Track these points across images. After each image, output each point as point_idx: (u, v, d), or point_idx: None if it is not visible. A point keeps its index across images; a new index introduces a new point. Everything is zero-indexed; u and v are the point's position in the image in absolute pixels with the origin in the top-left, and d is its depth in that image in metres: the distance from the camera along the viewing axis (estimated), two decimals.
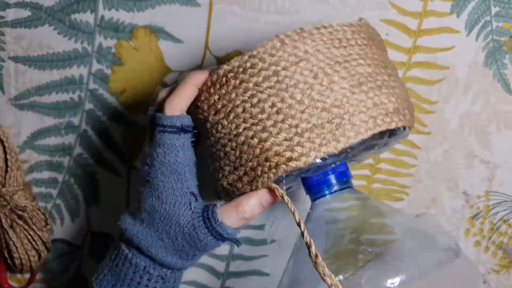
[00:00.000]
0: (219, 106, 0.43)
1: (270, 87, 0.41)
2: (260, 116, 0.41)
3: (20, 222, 0.57)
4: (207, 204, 0.44)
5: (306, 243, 0.40)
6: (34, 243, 0.58)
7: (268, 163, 0.41)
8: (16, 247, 0.57)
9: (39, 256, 0.59)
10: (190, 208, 0.43)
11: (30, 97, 0.58)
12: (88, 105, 0.59)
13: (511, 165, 0.58)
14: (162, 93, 0.46)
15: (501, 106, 0.57)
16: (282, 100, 0.41)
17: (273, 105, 0.41)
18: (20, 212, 0.57)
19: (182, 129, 0.44)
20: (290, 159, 0.40)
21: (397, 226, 0.46)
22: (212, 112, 0.43)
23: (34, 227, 0.58)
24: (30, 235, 0.58)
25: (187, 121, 0.44)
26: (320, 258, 0.40)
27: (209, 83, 0.44)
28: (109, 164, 0.61)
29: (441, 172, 0.59)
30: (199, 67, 0.57)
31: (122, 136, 0.60)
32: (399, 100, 0.43)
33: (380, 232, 0.46)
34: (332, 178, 0.45)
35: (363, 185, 0.59)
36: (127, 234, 0.44)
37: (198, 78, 0.44)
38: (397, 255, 0.46)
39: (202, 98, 0.44)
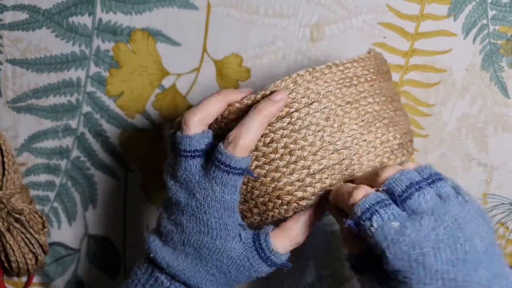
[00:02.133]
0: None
1: (283, 128, 0.42)
2: (272, 155, 0.42)
3: (17, 225, 0.57)
4: (256, 232, 0.42)
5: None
6: (31, 246, 0.58)
7: (279, 201, 0.42)
8: (13, 250, 0.57)
9: (36, 259, 0.59)
10: (241, 240, 0.41)
11: (28, 100, 0.58)
12: (86, 108, 0.59)
13: (509, 167, 0.58)
14: (195, 116, 0.42)
15: (498, 109, 0.57)
16: (295, 142, 0.41)
17: (285, 146, 0.41)
18: (17, 215, 0.57)
19: (246, 171, 0.41)
20: (302, 198, 0.41)
21: None
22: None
23: (31, 230, 0.58)
24: (27, 238, 0.58)
25: (250, 161, 0.42)
26: None
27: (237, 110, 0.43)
28: (107, 167, 0.60)
29: None
30: (197, 70, 0.57)
31: (119, 139, 0.60)
32: (404, 134, 0.45)
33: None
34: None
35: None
36: (171, 270, 0.41)
37: (272, 112, 0.41)
38: None
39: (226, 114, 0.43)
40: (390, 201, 0.36)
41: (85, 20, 0.55)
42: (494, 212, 0.60)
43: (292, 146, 0.41)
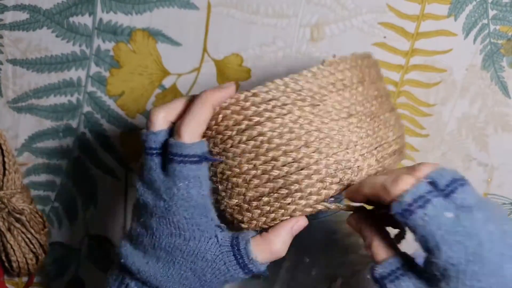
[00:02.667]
0: (267, 118, 0.39)
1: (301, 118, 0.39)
2: (320, 133, 0.39)
3: (18, 225, 0.57)
4: (235, 234, 0.40)
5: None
6: (31, 246, 0.58)
7: (299, 194, 0.39)
8: (14, 250, 0.57)
9: (37, 259, 0.59)
10: (218, 241, 0.39)
11: (28, 100, 0.58)
12: (86, 108, 0.59)
13: (509, 167, 0.58)
14: (160, 113, 0.39)
15: (499, 109, 0.57)
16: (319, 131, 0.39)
17: (308, 137, 0.39)
18: (17, 215, 0.57)
19: (204, 157, 0.38)
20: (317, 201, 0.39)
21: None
22: (254, 124, 0.39)
23: (32, 230, 0.58)
24: (28, 238, 0.58)
25: (206, 146, 0.39)
26: None
27: (258, 93, 0.39)
28: (107, 167, 0.61)
29: None
30: (197, 70, 0.57)
31: (120, 139, 0.60)
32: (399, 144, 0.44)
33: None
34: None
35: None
36: (142, 275, 0.39)
37: (217, 97, 0.39)
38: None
39: (233, 112, 0.39)
40: (437, 191, 0.35)
41: (85, 20, 0.55)
42: None
43: (314, 135, 0.39)
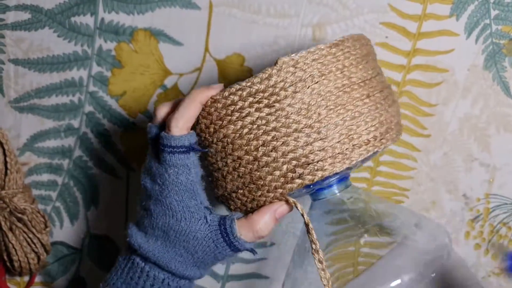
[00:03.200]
0: (229, 121, 0.43)
1: (289, 105, 0.41)
2: (277, 133, 0.41)
3: (20, 225, 0.57)
4: (223, 216, 0.44)
5: (314, 249, 0.42)
6: (33, 245, 0.58)
7: (291, 174, 0.42)
8: (15, 249, 0.57)
9: (38, 259, 0.59)
10: (207, 222, 0.43)
11: (30, 100, 0.58)
12: (88, 108, 0.59)
13: (511, 167, 0.58)
14: (163, 109, 0.45)
15: (501, 109, 0.57)
16: (308, 118, 0.41)
17: (295, 121, 0.41)
18: (19, 215, 0.57)
19: (192, 148, 0.43)
20: (308, 172, 0.42)
21: (396, 228, 0.46)
22: (219, 127, 0.43)
23: (34, 230, 0.58)
24: (30, 238, 0.58)
25: (194, 138, 0.44)
26: (324, 264, 0.42)
27: (218, 101, 0.43)
28: (109, 166, 0.61)
29: (441, 175, 0.59)
30: (199, 69, 0.57)
31: (121, 139, 0.60)
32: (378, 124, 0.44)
33: (379, 234, 0.46)
34: (333, 181, 0.46)
35: (363, 188, 0.59)
36: (142, 251, 0.44)
37: (204, 95, 0.44)
38: (396, 257, 0.46)
39: (207, 113, 0.44)
40: None
41: (87, 20, 0.56)
42: (497, 212, 0.60)
43: (295, 125, 0.41)
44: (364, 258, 0.50)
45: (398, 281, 0.43)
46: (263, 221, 0.43)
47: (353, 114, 0.42)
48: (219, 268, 0.62)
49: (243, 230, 0.43)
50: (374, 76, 0.45)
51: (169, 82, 0.57)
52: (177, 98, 0.46)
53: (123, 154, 0.60)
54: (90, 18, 0.55)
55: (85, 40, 0.56)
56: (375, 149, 0.43)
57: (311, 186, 0.44)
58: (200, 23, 0.55)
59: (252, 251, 0.45)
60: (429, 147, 0.58)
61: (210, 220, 0.44)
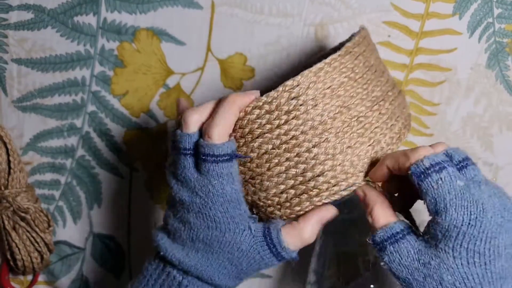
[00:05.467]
0: (268, 129, 0.41)
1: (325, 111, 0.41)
2: (316, 140, 0.41)
3: (23, 224, 0.57)
4: (266, 225, 0.42)
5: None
6: (36, 245, 0.58)
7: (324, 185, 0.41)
8: (19, 248, 0.57)
9: (42, 258, 0.59)
10: (251, 233, 0.42)
11: (33, 99, 0.59)
12: (91, 107, 0.59)
13: None
14: (195, 116, 0.42)
15: (504, 108, 0.57)
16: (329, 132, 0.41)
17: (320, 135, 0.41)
18: (22, 214, 0.57)
19: (234, 155, 0.41)
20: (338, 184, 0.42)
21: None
22: (256, 135, 0.42)
23: (37, 229, 0.58)
24: (33, 237, 0.58)
25: (235, 145, 0.42)
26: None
27: (260, 106, 0.41)
28: (112, 166, 0.61)
29: None
30: (201, 69, 0.57)
31: (124, 138, 0.60)
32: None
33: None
34: None
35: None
36: (183, 266, 0.42)
37: (242, 101, 0.41)
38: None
39: (246, 121, 0.42)
40: (453, 164, 0.39)
41: (89, 19, 0.56)
42: None
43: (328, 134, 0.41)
44: (369, 257, 0.50)
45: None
46: (311, 229, 0.42)
47: (376, 115, 0.43)
48: None
49: (290, 238, 0.42)
50: (382, 75, 0.45)
51: (171, 81, 0.57)
52: (205, 103, 0.43)
53: (126, 154, 0.60)
54: (92, 17, 0.55)
55: (87, 39, 0.56)
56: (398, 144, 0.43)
57: None
58: (202, 23, 0.55)
59: (295, 259, 0.43)
60: None
61: (255, 230, 0.42)
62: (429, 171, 0.37)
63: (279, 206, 0.43)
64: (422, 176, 0.37)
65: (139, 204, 0.62)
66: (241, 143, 0.42)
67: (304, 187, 0.41)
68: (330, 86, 0.41)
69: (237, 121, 0.42)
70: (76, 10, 0.55)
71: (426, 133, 0.58)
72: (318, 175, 0.41)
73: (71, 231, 0.63)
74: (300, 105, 0.40)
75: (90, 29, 0.56)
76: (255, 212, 0.44)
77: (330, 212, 0.43)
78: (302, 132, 0.41)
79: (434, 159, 0.38)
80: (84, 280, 0.64)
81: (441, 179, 0.37)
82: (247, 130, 0.42)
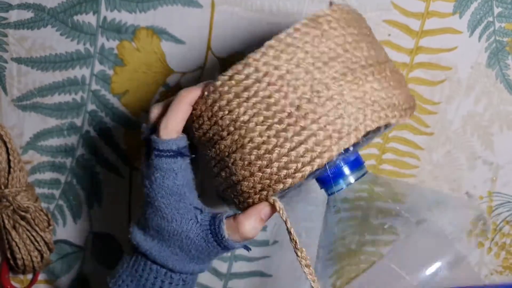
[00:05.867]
0: (218, 119, 0.41)
1: (276, 91, 0.40)
2: (270, 121, 0.40)
3: (23, 223, 0.57)
4: (214, 215, 0.44)
5: (291, 239, 0.42)
6: (36, 244, 0.58)
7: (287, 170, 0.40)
8: (19, 247, 0.57)
9: (42, 257, 0.59)
10: (198, 221, 0.43)
11: (33, 98, 0.59)
12: (91, 106, 0.59)
13: None
14: (155, 110, 0.45)
15: (504, 107, 0.57)
16: (300, 99, 0.39)
17: (283, 108, 0.40)
18: (22, 213, 0.57)
19: (179, 153, 0.43)
20: (313, 159, 0.40)
21: (401, 226, 0.46)
22: (210, 125, 0.42)
23: (37, 228, 0.58)
24: (33, 236, 0.58)
25: (184, 143, 0.43)
26: (304, 253, 0.42)
27: (206, 98, 0.42)
28: (112, 165, 0.61)
29: (443, 173, 0.58)
30: (201, 68, 0.57)
31: (124, 137, 0.60)
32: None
33: (383, 233, 0.46)
34: (346, 170, 0.45)
35: (366, 198, 0.59)
36: (141, 249, 0.45)
37: (191, 96, 0.43)
38: (400, 256, 0.46)
39: (198, 113, 0.43)
40: None
41: (89, 18, 0.56)
42: (500, 210, 0.60)
43: (290, 108, 0.39)
44: (366, 257, 0.50)
45: (438, 264, 0.42)
46: (250, 223, 0.43)
47: (357, 87, 0.40)
48: (222, 266, 0.62)
49: (231, 231, 0.43)
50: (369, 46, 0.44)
51: (171, 80, 0.57)
52: (168, 98, 0.45)
53: (126, 153, 0.60)
54: (92, 16, 0.55)
55: (87, 38, 0.56)
56: (382, 122, 0.41)
57: (326, 174, 0.43)
58: (202, 22, 0.55)
59: (246, 248, 0.45)
60: (432, 145, 0.58)
61: (201, 219, 0.43)
62: None
63: (255, 188, 0.42)
64: None
65: (139, 203, 0.62)
66: (226, 111, 0.41)
67: (286, 159, 0.40)
68: (299, 53, 0.40)
69: (219, 88, 0.41)
70: (76, 9, 0.55)
71: (427, 132, 0.58)
72: (301, 143, 0.39)
73: (71, 230, 0.63)
74: (290, 60, 0.40)
75: (90, 28, 0.56)
76: (231, 202, 0.44)
77: (267, 209, 0.42)
78: (294, 89, 0.39)
79: None
80: (84, 279, 0.64)
81: None
82: (216, 107, 0.41)
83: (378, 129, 0.42)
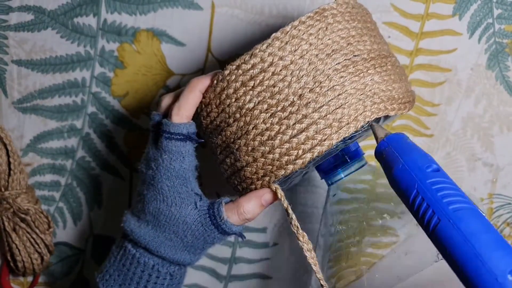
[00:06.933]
0: (225, 106, 0.43)
1: (279, 81, 0.41)
2: (274, 109, 0.41)
3: (23, 225, 0.57)
4: (212, 201, 0.45)
5: (293, 224, 0.43)
6: (36, 246, 0.58)
7: (296, 151, 0.41)
8: (19, 250, 0.57)
9: (42, 259, 0.59)
10: (196, 207, 0.45)
11: (33, 101, 0.59)
12: (91, 108, 0.59)
13: None
14: (167, 99, 0.47)
15: (504, 108, 0.57)
16: (302, 89, 0.41)
17: (286, 97, 0.41)
18: (23, 215, 0.57)
19: (189, 137, 0.45)
20: (314, 146, 0.41)
21: (401, 228, 0.46)
22: (218, 113, 0.44)
23: (37, 230, 0.58)
24: (33, 238, 0.58)
25: (193, 128, 0.45)
26: (306, 238, 0.43)
27: (215, 86, 0.44)
28: (112, 167, 0.61)
29: None
30: (202, 70, 0.57)
31: (124, 139, 0.60)
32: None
33: (382, 235, 0.46)
34: (346, 160, 0.46)
35: (367, 189, 0.59)
36: (134, 236, 0.45)
37: (202, 84, 0.45)
38: (398, 258, 0.46)
39: (207, 101, 0.44)
40: None
41: (90, 20, 0.56)
42: (500, 212, 0.59)
43: (292, 97, 0.41)
44: (366, 258, 0.50)
45: (438, 265, 0.42)
46: (249, 205, 0.44)
47: (358, 79, 0.41)
48: (222, 269, 0.62)
49: (230, 212, 0.44)
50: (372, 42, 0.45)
51: (171, 82, 0.57)
52: (179, 89, 0.47)
53: (126, 155, 0.60)
54: (92, 19, 0.55)
55: (87, 41, 0.56)
56: (380, 113, 0.42)
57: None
58: (202, 24, 0.55)
59: (240, 235, 0.46)
60: (432, 147, 0.58)
61: (200, 205, 0.45)
62: None
63: (258, 174, 0.43)
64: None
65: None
66: (233, 99, 0.43)
67: (288, 145, 0.41)
68: (304, 44, 0.41)
69: (226, 77, 0.43)
70: (76, 11, 0.55)
71: (427, 134, 0.58)
72: (303, 130, 0.41)
73: (71, 233, 0.63)
74: (294, 51, 0.41)
75: (90, 30, 0.56)
76: (235, 190, 0.46)
77: (269, 195, 0.44)
78: (297, 78, 0.41)
79: None
80: (84, 282, 0.64)
81: None
82: (223, 95, 0.43)
83: (377, 120, 0.43)
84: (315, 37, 0.42)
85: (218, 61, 0.56)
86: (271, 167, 0.42)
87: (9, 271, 0.61)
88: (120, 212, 0.62)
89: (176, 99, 0.46)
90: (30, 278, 0.63)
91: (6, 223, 0.57)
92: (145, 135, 0.59)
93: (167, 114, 0.46)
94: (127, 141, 0.60)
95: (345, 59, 0.42)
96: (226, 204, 0.45)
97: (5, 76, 0.58)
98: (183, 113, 0.45)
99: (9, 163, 0.57)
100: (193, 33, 0.56)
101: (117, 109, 0.59)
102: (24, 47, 0.57)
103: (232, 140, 0.43)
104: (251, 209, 0.44)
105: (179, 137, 0.44)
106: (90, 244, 0.63)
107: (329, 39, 0.42)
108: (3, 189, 0.57)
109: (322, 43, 0.42)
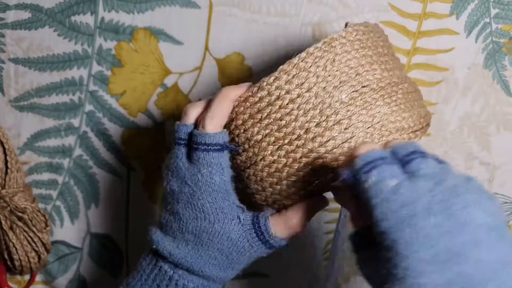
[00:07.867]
0: (235, 136, 0.43)
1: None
2: (281, 142, 0.41)
3: (20, 224, 0.57)
4: (255, 214, 0.43)
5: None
6: (34, 244, 0.58)
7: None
8: (16, 248, 0.57)
9: (39, 257, 0.59)
10: (240, 222, 0.43)
11: (30, 99, 0.59)
12: (88, 107, 0.59)
13: (511, 166, 0.58)
14: (196, 109, 0.44)
15: (501, 108, 0.57)
16: (309, 122, 0.41)
17: (293, 130, 0.41)
18: (20, 214, 0.57)
19: (225, 146, 0.43)
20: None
21: None
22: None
23: (34, 229, 0.58)
24: (30, 237, 0.58)
25: (227, 137, 0.43)
26: None
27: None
28: (109, 165, 0.61)
29: None
30: (199, 69, 0.57)
31: (122, 138, 0.60)
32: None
33: None
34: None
35: None
36: (174, 258, 0.43)
37: (234, 93, 0.43)
38: None
39: (239, 111, 0.43)
40: (394, 160, 0.35)
41: (87, 19, 0.55)
42: None
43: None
44: None
45: None
46: (298, 217, 0.42)
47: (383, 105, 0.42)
48: None
49: (278, 227, 0.42)
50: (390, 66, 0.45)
51: (169, 81, 0.57)
52: (207, 98, 0.45)
53: (123, 153, 0.60)
54: (90, 17, 0.55)
55: (85, 39, 0.56)
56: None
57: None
58: (200, 22, 0.55)
59: (286, 246, 0.44)
60: (429, 146, 0.58)
61: (244, 219, 0.43)
62: (361, 172, 0.34)
63: (267, 201, 0.43)
64: (355, 178, 0.34)
65: (137, 203, 0.62)
66: (242, 130, 0.43)
67: (295, 178, 0.41)
68: (325, 67, 0.41)
69: (235, 109, 0.43)
70: (74, 10, 0.55)
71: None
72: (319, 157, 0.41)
73: (69, 231, 0.63)
74: (301, 84, 0.41)
75: (88, 29, 0.56)
76: (259, 205, 0.45)
77: (319, 203, 0.43)
78: (304, 112, 0.41)
79: (367, 157, 0.34)
80: (82, 280, 0.64)
81: (368, 180, 0.33)
82: (232, 126, 0.43)
83: None
84: (323, 69, 0.41)
85: (215, 60, 0.56)
86: (279, 196, 0.43)
87: (6, 270, 0.61)
88: (117, 210, 0.62)
89: (205, 108, 0.44)
90: (27, 277, 0.63)
91: (3, 222, 0.57)
92: (143, 134, 0.59)
93: (194, 125, 0.43)
94: (125, 139, 0.60)
95: (353, 91, 0.41)
96: (272, 217, 0.43)
97: (2, 74, 0.58)
98: (217, 122, 0.42)
99: (6, 162, 0.57)
100: (190, 31, 0.56)
101: (115, 107, 0.58)
102: (21, 45, 0.57)
103: (242, 168, 0.43)
104: (301, 221, 0.42)
105: (216, 147, 0.42)
106: (87, 242, 0.63)
107: (337, 70, 0.41)
108: (0, 188, 0.57)
109: (329, 75, 0.41)
